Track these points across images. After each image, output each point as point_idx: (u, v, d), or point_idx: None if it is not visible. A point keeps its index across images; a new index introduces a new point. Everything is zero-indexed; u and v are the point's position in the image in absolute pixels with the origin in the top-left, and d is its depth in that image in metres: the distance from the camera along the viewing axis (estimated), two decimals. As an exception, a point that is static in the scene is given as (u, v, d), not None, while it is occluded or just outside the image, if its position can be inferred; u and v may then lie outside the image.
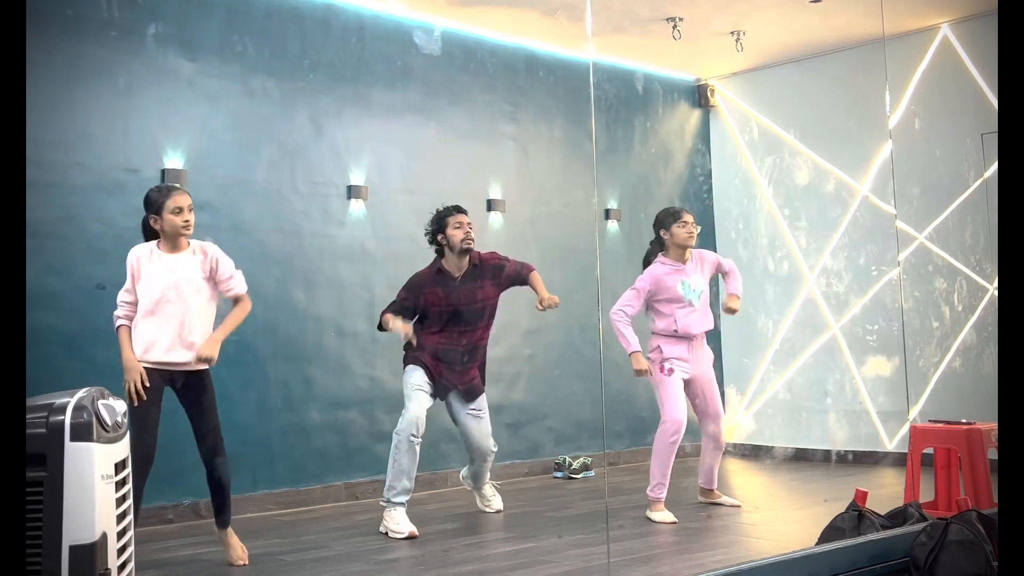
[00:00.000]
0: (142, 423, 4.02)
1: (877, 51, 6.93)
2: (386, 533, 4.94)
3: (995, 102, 6.50)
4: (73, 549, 2.64)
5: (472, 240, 5.23)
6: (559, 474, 6.96)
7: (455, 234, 5.19)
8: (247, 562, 4.30)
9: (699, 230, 5.49)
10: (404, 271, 6.49)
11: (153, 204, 4.22)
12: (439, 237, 5.26)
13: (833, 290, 7.60)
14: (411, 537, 4.82)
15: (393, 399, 6.38)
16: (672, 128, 8.20)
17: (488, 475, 5.55)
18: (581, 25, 6.80)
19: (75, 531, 2.66)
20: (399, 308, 5.19)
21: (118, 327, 4.19)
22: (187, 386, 4.25)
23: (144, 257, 4.22)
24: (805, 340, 7.72)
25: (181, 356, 4.18)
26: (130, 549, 3.05)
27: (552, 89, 7.40)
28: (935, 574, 3.61)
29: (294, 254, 6.05)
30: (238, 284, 4.33)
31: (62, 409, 2.72)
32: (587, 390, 7.24)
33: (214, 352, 4.18)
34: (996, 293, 6.63)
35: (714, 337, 8.02)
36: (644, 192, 7.95)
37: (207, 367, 4.25)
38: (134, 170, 5.47)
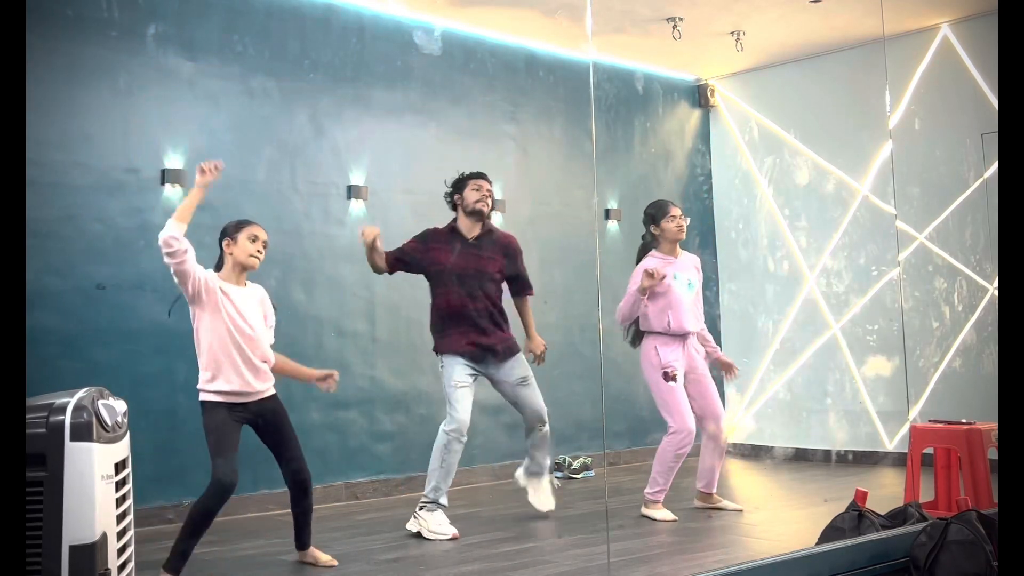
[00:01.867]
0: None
1: (877, 51, 6.93)
2: (418, 534, 4.85)
3: (995, 102, 6.50)
4: (73, 549, 2.65)
5: (487, 205, 5.16)
6: (559, 474, 6.96)
7: (470, 195, 5.15)
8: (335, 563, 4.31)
9: (687, 222, 5.48)
10: (405, 273, 6.51)
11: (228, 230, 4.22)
12: (455, 197, 5.22)
13: (833, 290, 7.60)
14: (454, 539, 4.77)
15: (393, 399, 6.39)
16: (672, 128, 8.20)
17: (548, 462, 5.38)
18: (581, 25, 6.80)
19: (75, 531, 2.66)
20: (399, 251, 5.13)
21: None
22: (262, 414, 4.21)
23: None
24: (805, 340, 7.72)
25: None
26: (130, 549, 3.05)
27: (552, 89, 7.40)
28: (935, 574, 3.61)
29: (294, 254, 6.05)
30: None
31: (62, 409, 2.72)
32: (587, 390, 7.24)
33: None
34: (996, 293, 6.63)
35: (714, 337, 8.02)
36: (644, 192, 7.94)
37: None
38: (134, 170, 5.47)
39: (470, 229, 5.16)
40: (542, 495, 5.38)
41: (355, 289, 6.28)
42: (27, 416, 2.64)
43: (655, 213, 5.45)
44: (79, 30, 5.30)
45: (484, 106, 7.04)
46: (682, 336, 5.30)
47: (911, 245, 7.12)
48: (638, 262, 5.48)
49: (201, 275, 4.02)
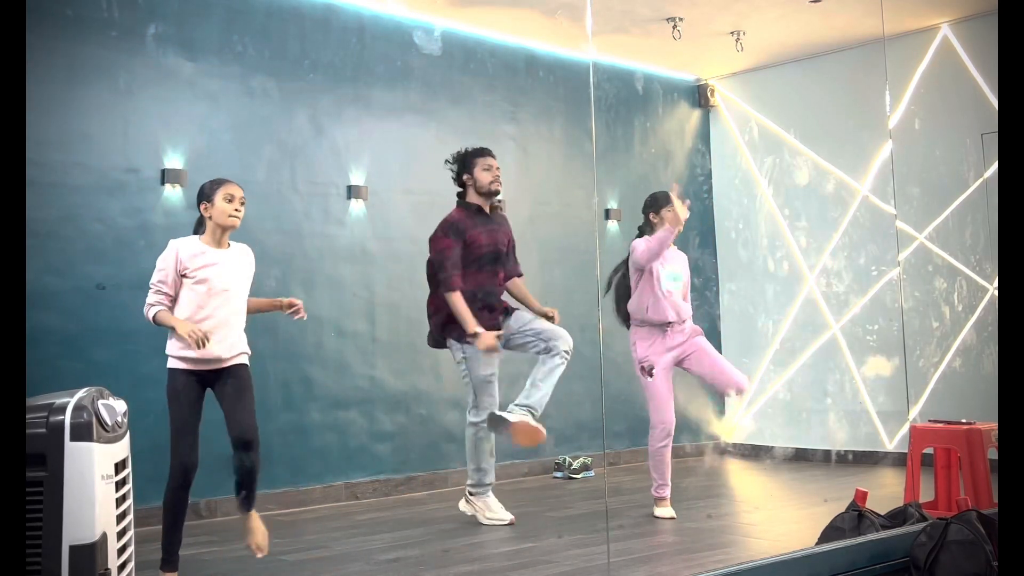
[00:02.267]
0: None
1: (877, 51, 6.92)
2: (473, 517, 4.97)
3: (995, 102, 6.50)
4: (73, 549, 2.64)
5: (500, 185, 5.07)
6: (559, 474, 6.96)
7: (483, 176, 5.05)
8: (266, 552, 4.11)
9: (687, 215, 5.38)
10: (404, 271, 6.51)
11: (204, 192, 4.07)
12: (464, 177, 5.09)
13: (833, 290, 7.60)
14: (511, 524, 4.88)
15: (393, 399, 6.39)
16: (672, 128, 8.20)
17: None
18: (581, 25, 6.80)
19: (75, 531, 2.66)
20: (454, 262, 4.88)
21: (155, 313, 3.92)
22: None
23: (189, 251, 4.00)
24: (805, 340, 7.72)
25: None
26: (130, 549, 3.05)
27: (552, 89, 7.40)
28: (935, 574, 3.61)
29: (294, 254, 6.05)
30: None
31: (62, 409, 2.72)
32: (587, 390, 7.24)
33: None
34: (996, 293, 6.63)
35: (714, 337, 8.03)
36: (644, 192, 7.89)
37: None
38: (134, 170, 5.47)
39: (484, 206, 5.09)
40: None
41: (355, 289, 6.28)
42: (27, 416, 2.64)
43: (656, 201, 5.36)
44: (79, 30, 5.30)
45: (484, 106, 7.04)
46: (662, 326, 5.18)
47: (911, 245, 7.12)
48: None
49: (172, 278, 3.93)
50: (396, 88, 6.57)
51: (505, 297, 5.21)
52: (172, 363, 3.94)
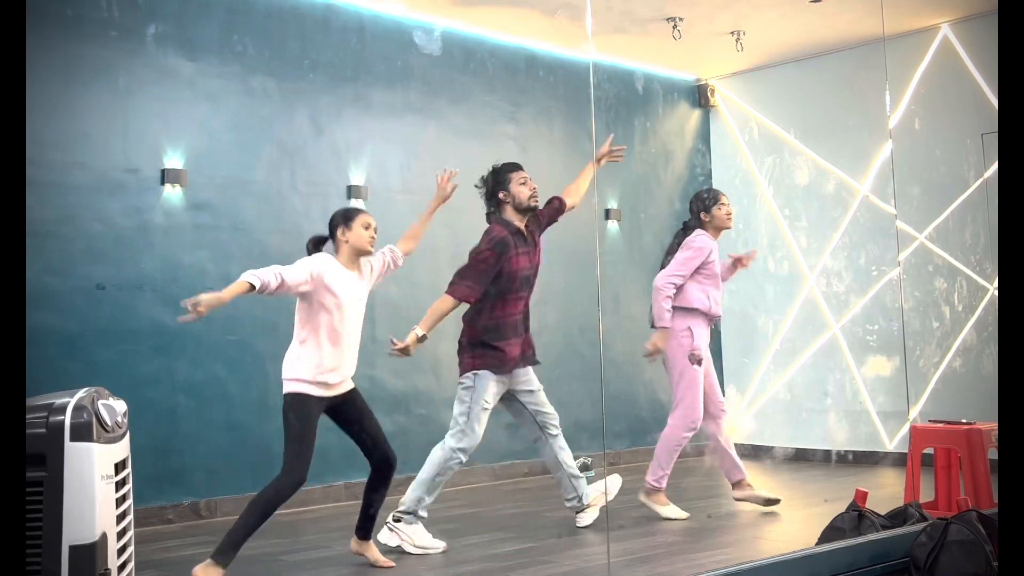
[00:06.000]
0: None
1: (877, 51, 6.92)
2: (398, 547, 4.53)
3: (995, 102, 6.50)
4: (73, 549, 2.64)
5: (538, 198, 4.86)
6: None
7: (521, 191, 4.81)
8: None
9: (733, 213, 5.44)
10: (404, 271, 6.49)
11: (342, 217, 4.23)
12: (501, 194, 4.83)
13: (833, 290, 7.60)
14: (444, 552, 4.52)
15: (393, 399, 6.39)
16: (672, 128, 8.20)
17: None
18: (581, 25, 6.80)
19: (75, 531, 2.66)
20: (481, 278, 4.62)
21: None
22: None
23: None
24: (805, 340, 7.72)
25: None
26: (130, 549, 3.05)
27: (552, 89, 7.40)
28: (935, 574, 3.61)
29: (294, 254, 5.99)
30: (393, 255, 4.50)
31: (62, 409, 2.71)
32: (587, 390, 7.24)
33: None
34: (996, 293, 6.63)
35: (715, 337, 8.02)
36: (644, 192, 7.95)
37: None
38: (134, 170, 5.47)
39: (522, 224, 4.83)
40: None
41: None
42: (27, 416, 2.63)
43: (707, 198, 5.34)
44: (79, 30, 5.30)
45: (484, 106, 7.04)
46: (712, 320, 5.30)
47: (911, 245, 7.12)
48: (675, 243, 5.35)
49: (300, 280, 4.06)
50: (396, 88, 6.56)
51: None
52: (302, 388, 4.09)
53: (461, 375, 4.76)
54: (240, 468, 5.67)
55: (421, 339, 4.56)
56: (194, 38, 5.73)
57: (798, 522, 5.13)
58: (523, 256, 4.78)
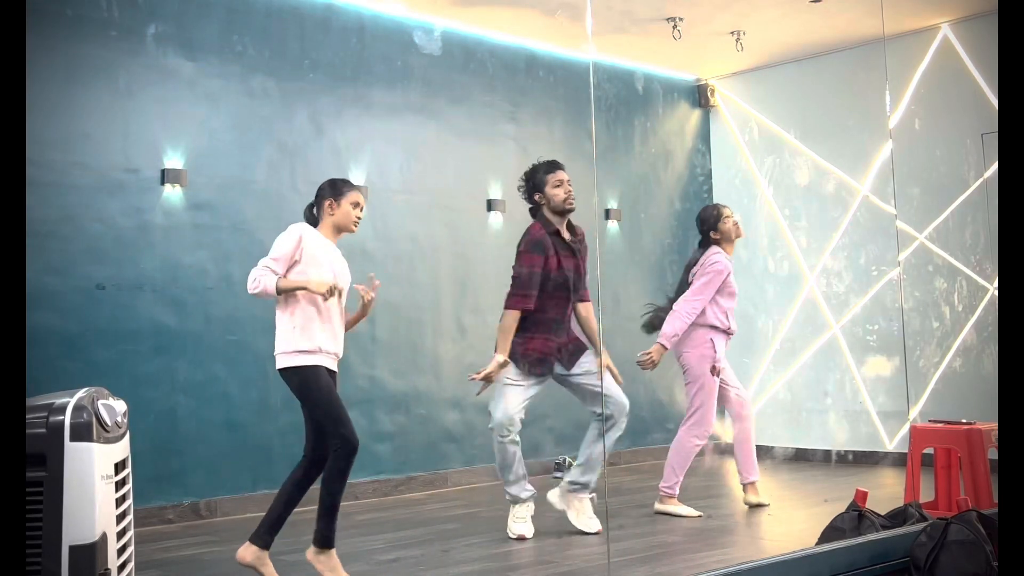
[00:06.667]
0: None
1: (877, 51, 6.93)
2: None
3: (995, 102, 6.50)
4: (73, 549, 2.64)
5: (574, 201, 4.80)
6: (559, 474, 6.95)
7: (556, 193, 4.76)
8: None
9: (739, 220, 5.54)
10: (404, 271, 6.52)
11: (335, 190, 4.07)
12: (536, 196, 4.81)
13: (833, 290, 7.60)
14: (520, 539, 4.74)
15: (393, 399, 6.39)
16: (672, 128, 8.20)
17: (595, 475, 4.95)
18: (581, 25, 6.80)
19: (75, 531, 2.65)
20: (536, 281, 4.66)
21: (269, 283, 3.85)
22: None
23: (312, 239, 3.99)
24: (805, 340, 7.72)
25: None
26: (130, 549, 3.05)
27: (552, 89, 7.40)
28: (935, 574, 3.61)
29: (294, 254, 6.04)
30: None
31: (62, 409, 2.71)
32: (587, 390, 7.23)
33: None
34: (996, 293, 6.63)
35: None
36: (644, 192, 7.95)
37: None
38: (134, 170, 5.47)
39: (561, 225, 4.83)
40: (591, 517, 4.87)
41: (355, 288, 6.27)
42: (27, 416, 2.63)
43: (709, 217, 5.44)
44: (79, 30, 5.30)
45: (484, 106, 7.04)
46: (729, 335, 5.41)
47: (911, 245, 7.12)
48: (694, 259, 5.44)
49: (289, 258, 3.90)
50: (396, 88, 6.57)
51: (575, 328, 5.00)
52: (308, 359, 3.89)
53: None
54: (240, 468, 5.67)
55: (503, 365, 4.66)
56: (194, 38, 5.73)
57: (798, 522, 5.13)
58: (556, 258, 4.76)
